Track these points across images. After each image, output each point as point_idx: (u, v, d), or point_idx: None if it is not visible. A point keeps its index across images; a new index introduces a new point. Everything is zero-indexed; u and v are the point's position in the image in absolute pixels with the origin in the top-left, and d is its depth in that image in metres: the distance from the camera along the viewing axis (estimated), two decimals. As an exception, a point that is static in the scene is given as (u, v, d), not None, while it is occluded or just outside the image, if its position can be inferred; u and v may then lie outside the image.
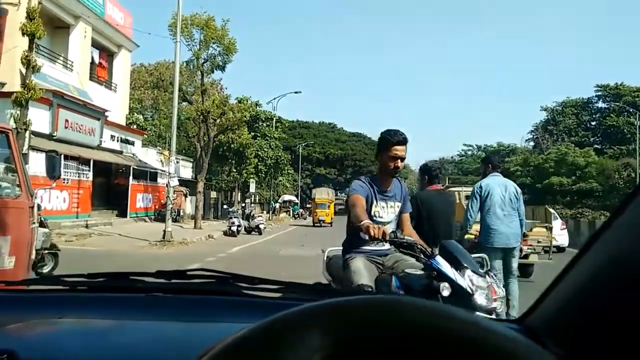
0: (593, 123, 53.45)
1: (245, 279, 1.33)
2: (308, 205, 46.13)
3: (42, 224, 7.79)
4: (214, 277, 1.34)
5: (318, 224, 32.24)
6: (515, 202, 5.30)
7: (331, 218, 33.65)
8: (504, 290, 4.71)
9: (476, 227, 5.62)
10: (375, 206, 3.16)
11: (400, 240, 2.83)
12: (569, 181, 39.72)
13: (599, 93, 52.13)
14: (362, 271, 3.00)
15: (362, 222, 2.76)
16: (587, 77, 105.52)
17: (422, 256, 2.86)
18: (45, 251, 7.57)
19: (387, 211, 3.21)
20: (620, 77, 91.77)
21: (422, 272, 2.88)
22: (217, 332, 0.59)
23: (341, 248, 3.40)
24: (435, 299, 2.62)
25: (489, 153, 52.90)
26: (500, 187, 5.31)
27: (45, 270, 7.44)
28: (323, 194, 35.78)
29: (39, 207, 9.67)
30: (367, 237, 2.71)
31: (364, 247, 3.13)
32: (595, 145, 48.78)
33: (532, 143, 56.61)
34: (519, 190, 5.41)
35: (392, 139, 3.12)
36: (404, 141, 3.12)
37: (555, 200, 35.43)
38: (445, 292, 2.70)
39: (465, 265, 2.86)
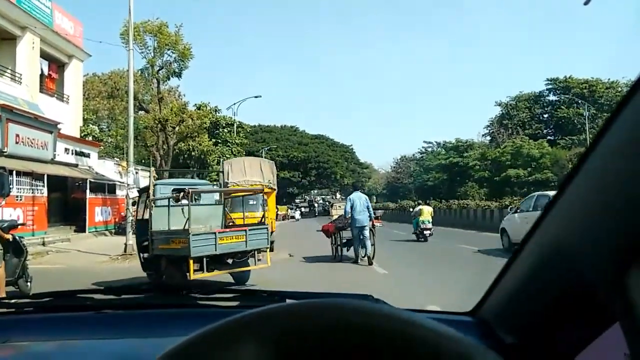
0: (545, 116, 55.38)
1: (200, 289, 1.31)
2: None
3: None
4: (167, 290, 1.30)
5: None
6: (365, 205, 11.52)
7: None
8: (362, 246, 11.44)
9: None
10: None
11: None
12: (525, 173, 40.98)
13: (550, 86, 54.14)
14: None
15: None
16: (538, 71, 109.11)
17: None
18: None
19: None
20: (569, 70, 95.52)
21: None
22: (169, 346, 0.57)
23: None
24: None
25: (448, 149, 53.95)
26: (359, 198, 11.62)
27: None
28: (247, 172, 14.49)
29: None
30: None
31: None
32: (549, 137, 50.49)
33: (488, 138, 58.11)
34: (367, 198, 11.95)
35: None
36: None
37: (513, 192, 36.38)
38: None
39: None
